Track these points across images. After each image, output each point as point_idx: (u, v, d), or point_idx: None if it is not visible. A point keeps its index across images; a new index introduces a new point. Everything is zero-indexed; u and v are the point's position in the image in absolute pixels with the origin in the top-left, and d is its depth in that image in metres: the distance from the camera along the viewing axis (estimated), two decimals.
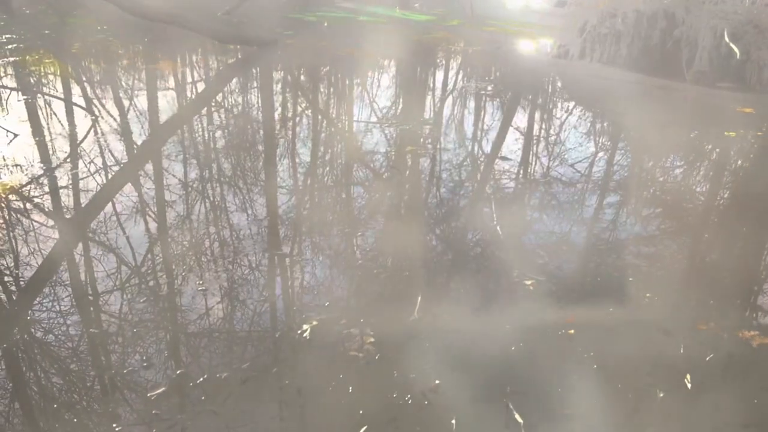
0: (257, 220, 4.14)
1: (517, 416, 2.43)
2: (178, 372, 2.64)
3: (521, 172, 5.29)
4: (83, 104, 6.72)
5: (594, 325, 3.07)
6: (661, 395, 2.60)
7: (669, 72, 8.33)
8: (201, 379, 2.59)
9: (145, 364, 2.68)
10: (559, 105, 8.09)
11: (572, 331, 3.00)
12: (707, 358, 2.85)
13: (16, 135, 5.41)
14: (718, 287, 3.54)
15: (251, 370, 2.65)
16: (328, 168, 5.48)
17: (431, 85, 8.84)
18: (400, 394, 2.55)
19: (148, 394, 2.50)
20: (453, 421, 2.41)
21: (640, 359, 2.84)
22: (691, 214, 4.67)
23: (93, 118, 6.17)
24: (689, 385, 2.67)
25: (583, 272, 3.66)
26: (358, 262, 3.63)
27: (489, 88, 8.43)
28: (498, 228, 4.09)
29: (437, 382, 2.62)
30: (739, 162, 5.97)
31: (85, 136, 5.59)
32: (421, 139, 5.90)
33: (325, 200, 4.69)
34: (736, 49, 7.85)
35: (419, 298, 3.22)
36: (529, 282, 3.42)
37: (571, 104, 7.89)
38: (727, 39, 7.91)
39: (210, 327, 3.01)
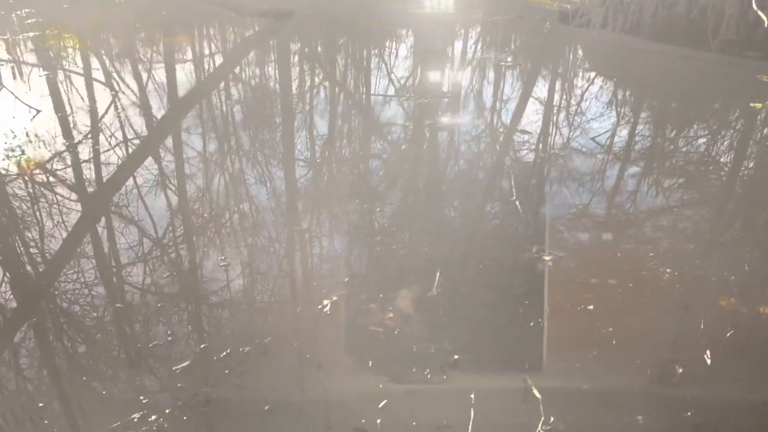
0: (277, 195, 4.17)
1: (535, 391, 2.46)
2: (202, 346, 2.70)
3: (540, 143, 5.24)
4: (103, 78, 6.76)
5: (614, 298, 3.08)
6: (680, 370, 2.61)
7: (694, 41, 8.11)
8: (224, 353, 2.65)
9: (170, 338, 2.74)
10: (580, 75, 7.94)
11: (591, 307, 3.00)
12: (727, 334, 2.84)
13: (39, 111, 5.47)
14: (739, 262, 3.51)
15: (273, 345, 2.70)
16: (346, 141, 5.47)
17: (450, 55, 8.71)
18: (419, 369, 2.59)
19: (173, 367, 2.56)
20: (472, 396, 2.44)
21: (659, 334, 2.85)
22: (714, 186, 4.60)
23: (113, 93, 6.20)
24: (708, 361, 2.67)
25: (601, 246, 3.65)
26: (377, 238, 3.65)
27: (509, 58, 8.30)
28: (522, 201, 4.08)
29: (456, 357, 2.65)
30: (766, 132, 5.84)
31: (106, 111, 5.63)
32: (440, 111, 5.85)
33: (345, 175, 4.70)
34: (764, 17, 7.60)
35: (438, 274, 3.24)
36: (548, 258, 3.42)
37: (592, 74, 7.75)
38: (755, 6, 7.66)
39: (232, 302, 3.06)
